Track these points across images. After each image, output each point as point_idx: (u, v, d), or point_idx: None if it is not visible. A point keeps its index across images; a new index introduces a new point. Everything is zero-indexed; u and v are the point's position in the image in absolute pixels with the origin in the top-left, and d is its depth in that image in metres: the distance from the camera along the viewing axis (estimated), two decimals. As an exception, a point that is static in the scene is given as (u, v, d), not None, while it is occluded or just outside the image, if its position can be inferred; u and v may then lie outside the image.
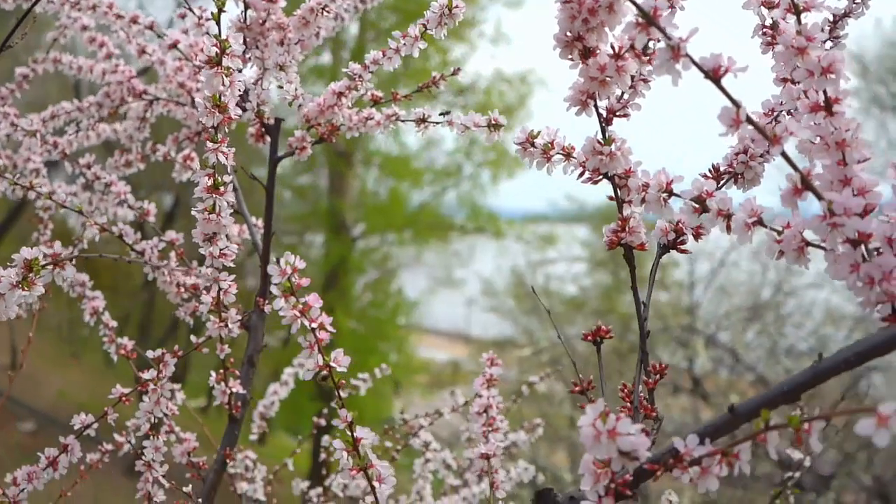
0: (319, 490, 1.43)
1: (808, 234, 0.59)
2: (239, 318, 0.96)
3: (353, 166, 11.72)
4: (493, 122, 0.90)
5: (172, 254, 1.10)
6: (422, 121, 1.01)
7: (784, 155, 0.55)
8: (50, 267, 0.71)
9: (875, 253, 0.56)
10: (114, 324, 1.16)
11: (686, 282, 7.96)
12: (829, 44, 0.77)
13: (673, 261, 10.25)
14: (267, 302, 1.01)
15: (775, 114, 0.73)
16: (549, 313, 0.85)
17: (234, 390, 1.03)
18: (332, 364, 0.68)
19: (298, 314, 0.66)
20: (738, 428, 0.56)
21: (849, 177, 0.57)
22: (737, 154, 0.73)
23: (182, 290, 1.09)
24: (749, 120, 0.54)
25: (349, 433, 0.69)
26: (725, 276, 8.10)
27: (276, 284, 0.65)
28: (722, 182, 0.73)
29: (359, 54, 10.37)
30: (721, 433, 0.56)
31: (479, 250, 12.30)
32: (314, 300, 0.67)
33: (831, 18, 0.76)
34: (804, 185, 0.55)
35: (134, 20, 1.14)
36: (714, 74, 0.54)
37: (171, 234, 1.11)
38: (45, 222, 1.32)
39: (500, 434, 1.02)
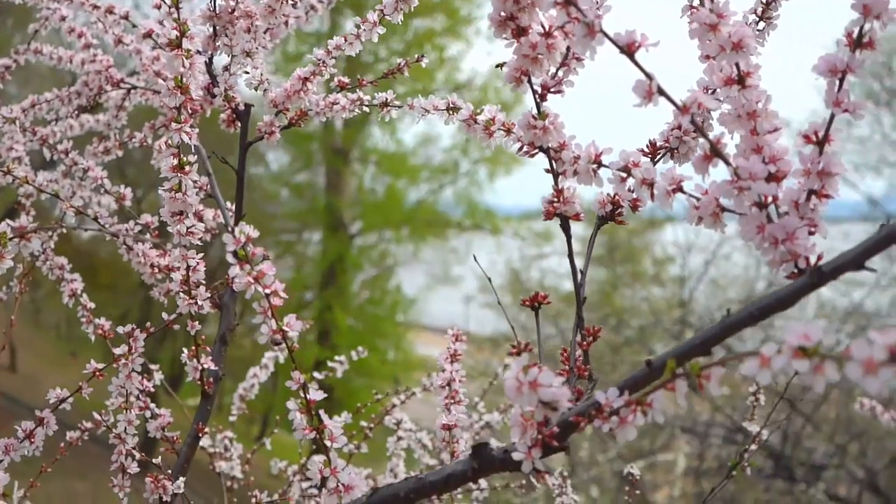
0: (296, 468, 1.47)
1: (724, 201, 0.63)
2: (208, 295, 1.00)
3: (350, 164, 11.76)
4: (451, 105, 0.94)
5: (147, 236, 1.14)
6: (384, 105, 1.05)
7: (694, 123, 0.59)
8: (16, 240, 0.75)
9: (786, 216, 0.60)
10: (91, 305, 1.19)
11: (680, 276, 8.00)
12: (761, 24, 0.80)
13: (669, 256, 10.31)
14: (222, 294, 1.05)
15: (709, 91, 0.77)
16: (502, 305, 0.89)
17: (205, 367, 1.06)
18: (286, 328, 0.71)
19: (253, 281, 0.70)
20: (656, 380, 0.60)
21: (760, 145, 0.61)
22: (672, 129, 0.77)
23: (156, 270, 1.13)
24: (661, 91, 0.58)
25: (303, 395, 0.73)
26: (721, 270, 8.14)
27: (230, 253, 0.69)
28: (658, 157, 0.77)
29: (355, 52, 10.40)
30: (640, 386, 0.60)
31: (476, 247, 12.35)
32: (268, 268, 0.71)
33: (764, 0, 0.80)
34: (713, 152, 0.59)
35: (109, 10, 1.17)
36: (628, 49, 0.58)
37: (146, 218, 1.15)
38: (27, 209, 1.35)
39: (462, 406, 1.06)
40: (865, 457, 6.34)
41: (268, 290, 0.70)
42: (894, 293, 8.06)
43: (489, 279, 0.92)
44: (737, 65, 0.61)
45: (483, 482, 1.40)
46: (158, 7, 1.15)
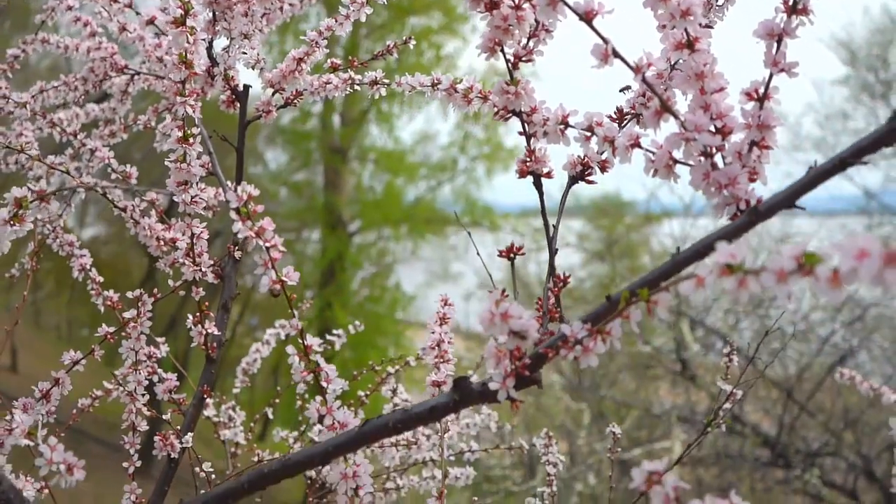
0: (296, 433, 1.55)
1: (677, 154, 0.69)
2: (211, 262, 1.07)
3: (349, 162, 11.83)
4: (435, 81, 1.00)
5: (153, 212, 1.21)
6: (374, 83, 1.12)
7: (645, 82, 0.66)
8: (37, 202, 0.82)
9: (729, 165, 0.67)
10: (100, 279, 1.26)
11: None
12: (720, 0, 0.87)
13: (667, 251, 10.36)
14: (238, 249, 1.11)
15: (670, 61, 0.84)
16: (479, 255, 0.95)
17: (209, 332, 1.13)
18: (284, 278, 0.78)
19: (254, 235, 0.77)
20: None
21: (708, 103, 0.67)
22: (637, 97, 0.84)
23: (161, 243, 1.20)
24: (615, 54, 0.65)
25: (300, 340, 0.80)
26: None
27: (233, 209, 0.76)
28: (625, 121, 0.84)
29: (352, 49, 10.50)
30: (601, 319, 0.66)
31: (475, 243, 12.36)
32: (268, 224, 0.78)
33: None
34: (663, 107, 0.66)
35: (113, -1, 1.24)
36: (587, 17, 0.65)
37: (151, 195, 1.22)
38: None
39: (450, 365, 1.13)
40: (860, 444, 6.41)
41: (268, 244, 0.77)
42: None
43: (476, 253, 0.99)
44: (686, 30, 0.68)
45: (475, 444, 1.47)
46: (160, -4, 1.22)
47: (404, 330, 11.60)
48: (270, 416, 1.56)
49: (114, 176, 1.24)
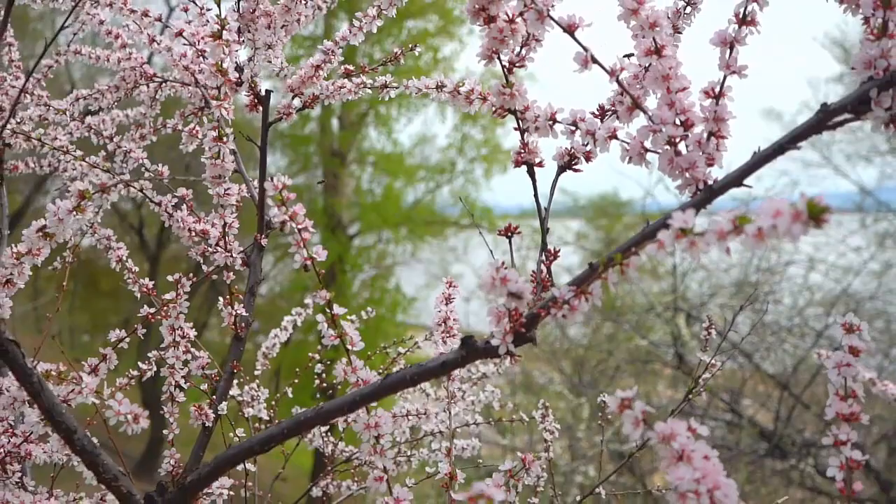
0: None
1: (647, 144, 0.82)
2: (241, 249, 1.19)
3: (348, 165, 11.96)
4: (440, 84, 1.13)
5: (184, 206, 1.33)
6: (384, 86, 1.25)
7: (619, 83, 0.78)
8: (98, 193, 0.94)
9: (690, 152, 0.79)
10: (136, 269, 1.39)
11: (673, 263, 8.20)
12: (688, 9, 1.00)
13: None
14: (264, 236, 1.24)
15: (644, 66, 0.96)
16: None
17: (238, 313, 1.25)
18: (314, 255, 0.91)
19: (288, 218, 0.89)
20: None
21: (672, 101, 0.80)
22: (616, 96, 0.96)
23: (193, 234, 1.32)
24: (594, 60, 0.77)
25: (328, 310, 0.92)
26: (713, 257, 8.35)
27: (269, 196, 0.88)
28: (606, 117, 0.96)
29: (350, 53, 10.64)
30: (584, 282, 0.79)
31: (474, 245, 12.51)
32: (300, 209, 0.90)
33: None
34: (634, 104, 0.79)
35: (145, 14, 1.37)
36: (570, 29, 0.77)
37: (182, 191, 1.34)
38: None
39: (456, 339, 1.25)
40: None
41: (300, 226, 0.90)
42: (885, 279, 8.26)
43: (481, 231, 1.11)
44: (654, 39, 0.80)
45: (479, 416, 1.60)
46: (186, 10, 1.36)
47: (405, 332, 11.70)
48: (290, 395, 1.69)
49: (146, 175, 1.36)
